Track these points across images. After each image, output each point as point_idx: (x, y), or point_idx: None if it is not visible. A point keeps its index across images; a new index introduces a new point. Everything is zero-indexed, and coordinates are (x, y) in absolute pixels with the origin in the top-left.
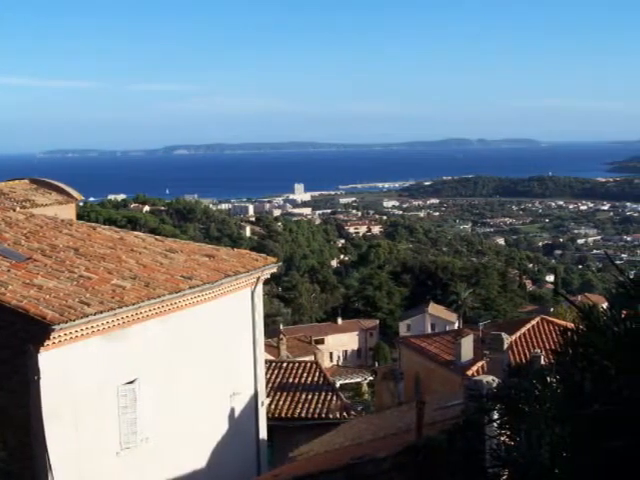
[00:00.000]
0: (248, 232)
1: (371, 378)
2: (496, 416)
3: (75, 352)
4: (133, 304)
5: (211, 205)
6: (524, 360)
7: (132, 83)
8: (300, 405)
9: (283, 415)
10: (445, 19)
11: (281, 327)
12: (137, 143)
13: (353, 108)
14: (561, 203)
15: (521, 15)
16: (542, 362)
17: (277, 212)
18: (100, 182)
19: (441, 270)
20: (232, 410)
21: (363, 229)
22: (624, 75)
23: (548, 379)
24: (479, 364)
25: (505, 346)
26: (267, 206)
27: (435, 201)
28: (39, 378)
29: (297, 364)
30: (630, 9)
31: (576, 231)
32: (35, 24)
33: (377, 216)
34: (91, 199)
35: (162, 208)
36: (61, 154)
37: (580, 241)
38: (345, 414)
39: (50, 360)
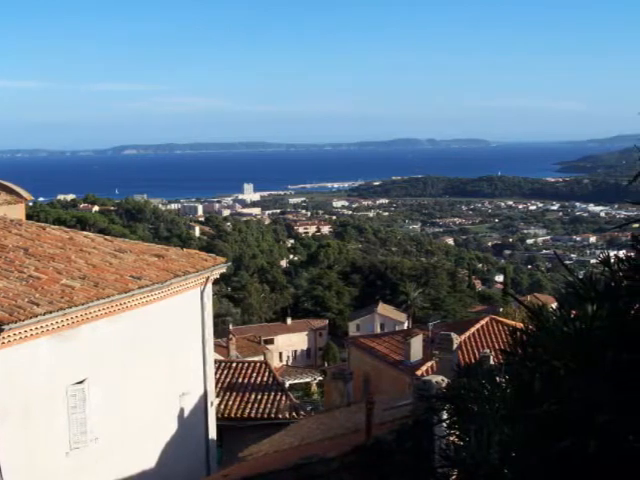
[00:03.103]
0: (197, 232)
1: (320, 378)
2: (445, 416)
3: (24, 352)
4: (82, 304)
5: (160, 205)
6: (473, 360)
7: (81, 83)
8: (249, 405)
9: (233, 415)
10: (393, 19)
11: (230, 327)
12: (86, 143)
13: (302, 108)
14: (510, 203)
15: (471, 14)
16: (491, 362)
17: (226, 212)
18: (49, 182)
19: (390, 270)
20: (181, 410)
21: (312, 229)
22: (574, 76)
23: (497, 379)
24: (428, 364)
25: (454, 346)
26: (216, 206)
27: (384, 201)
28: None
29: (246, 364)
30: (584, 8)
31: (525, 231)
32: None
33: (326, 216)
34: (40, 199)
35: (111, 208)
36: (10, 154)
37: (529, 241)
38: (294, 414)
39: None
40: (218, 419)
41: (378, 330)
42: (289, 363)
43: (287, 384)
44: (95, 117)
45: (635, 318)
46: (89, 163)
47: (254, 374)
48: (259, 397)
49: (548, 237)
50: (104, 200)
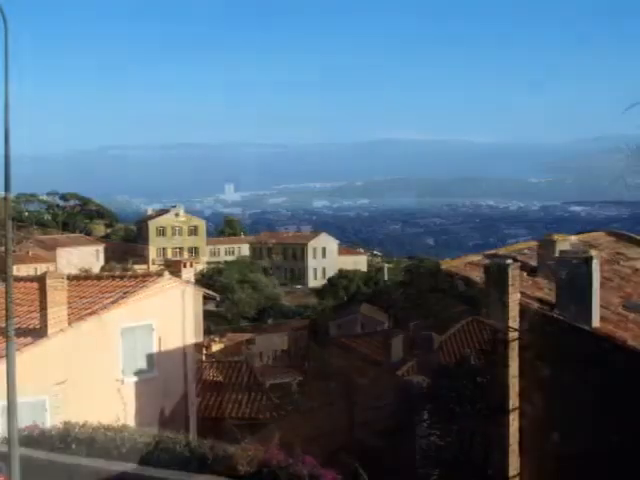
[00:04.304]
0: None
1: (301, 378)
2: (426, 416)
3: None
4: (64, 304)
5: (142, 205)
6: (454, 360)
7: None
8: (230, 405)
9: (213, 415)
10: (373, 18)
11: (211, 327)
12: (70, 143)
13: (284, 109)
14: (492, 203)
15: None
16: (472, 362)
17: (208, 212)
18: (32, 182)
19: (372, 270)
20: (162, 410)
21: (293, 229)
22: (559, 76)
23: (478, 379)
24: (409, 364)
25: (435, 346)
26: (198, 206)
27: (365, 201)
28: None
29: (227, 364)
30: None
31: (507, 231)
32: None
33: (307, 216)
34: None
35: (93, 208)
36: None
37: (511, 241)
38: (275, 414)
39: None
40: (199, 419)
41: (359, 330)
42: (270, 363)
43: (267, 384)
44: (79, 117)
45: None
46: (73, 163)
47: (235, 374)
48: (240, 397)
49: (529, 237)
50: (87, 200)
